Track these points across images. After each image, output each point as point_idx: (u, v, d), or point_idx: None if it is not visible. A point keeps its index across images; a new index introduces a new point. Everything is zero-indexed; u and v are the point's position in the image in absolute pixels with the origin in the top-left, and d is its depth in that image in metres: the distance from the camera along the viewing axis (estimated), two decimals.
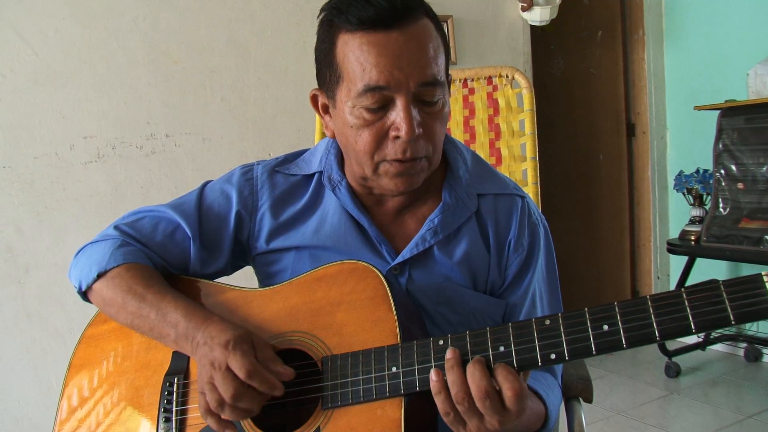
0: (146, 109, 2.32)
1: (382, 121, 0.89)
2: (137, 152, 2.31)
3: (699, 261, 3.06)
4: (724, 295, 0.70)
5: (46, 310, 2.16)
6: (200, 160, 2.41)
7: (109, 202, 2.26)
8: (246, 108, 2.50)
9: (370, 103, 0.88)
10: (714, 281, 0.71)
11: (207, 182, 1.09)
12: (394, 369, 0.82)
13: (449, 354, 0.79)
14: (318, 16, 0.94)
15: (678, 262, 3.35)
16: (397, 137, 0.89)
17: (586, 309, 0.76)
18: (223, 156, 2.44)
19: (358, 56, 0.87)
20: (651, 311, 0.73)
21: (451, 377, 0.77)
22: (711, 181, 2.99)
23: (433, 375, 0.79)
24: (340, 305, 0.89)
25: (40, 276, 2.15)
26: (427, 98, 0.90)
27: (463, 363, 0.78)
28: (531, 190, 1.57)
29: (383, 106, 0.89)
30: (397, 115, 0.88)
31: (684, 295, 0.72)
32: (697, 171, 3.10)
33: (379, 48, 0.86)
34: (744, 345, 3.25)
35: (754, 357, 3.23)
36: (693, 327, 0.71)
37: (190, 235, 1.02)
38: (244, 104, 2.50)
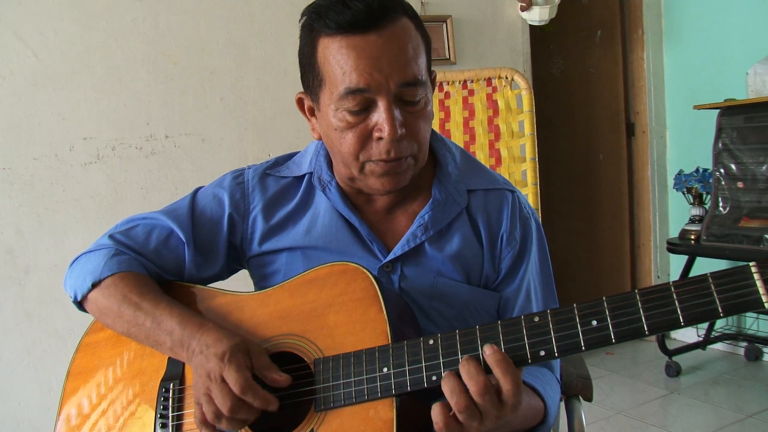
0: (146, 110, 2.32)
1: (365, 122, 0.91)
2: (137, 153, 2.31)
3: (699, 260, 3.06)
4: (713, 287, 0.70)
5: (47, 311, 2.16)
6: (200, 161, 2.41)
7: (109, 203, 2.26)
8: (245, 109, 2.50)
9: (352, 105, 0.89)
10: (704, 275, 0.71)
11: (198, 188, 1.10)
12: (385, 370, 0.83)
13: (446, 372, 0.79)
14: (300, 21, 0.95)
15: (678, 262, 3.35)
16: (380, 138, 0.90)
17: (574, 305, 0.77)
18: (223, 157, 2.45)
19: (338, 60, 0.88)
20: (639, 305, 0.73)
21: (448, 386, 0.77)
22: (711, 180, 2.99)
23: (437, 410, 0.77)
24: (331, 307, 0.90)
25: (40, 277, 2.15)
26: (408, 98, 0.91)
27: (457, 373, 0.78)
28: (531, 191, 1.57)
29: (365, 108, 0.90)
30: (379, 117, 0.89)
31: (672, 289, 0.72)
32: (697, 170, 3.10)
33: (357, 51, 0.87)
34: (744, 344, 3.25)
35: (754, 356, 3.23)
36: (681, 320, 0.71)
37: (184, 240, 1.03)
38: (244, 105, 2.50)
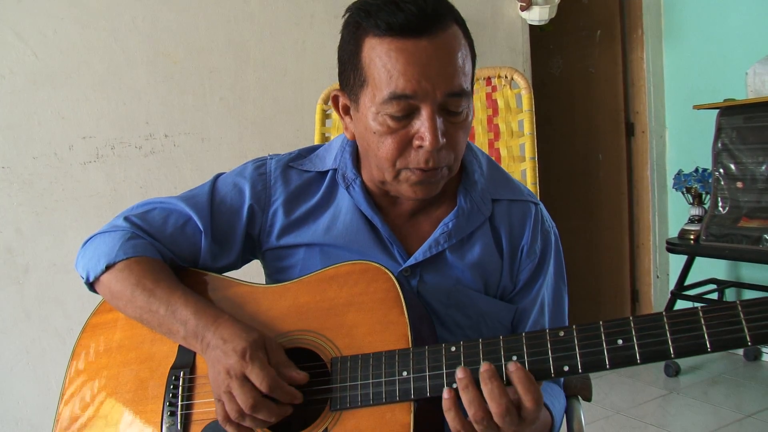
0: (145, 109, 2.32)
1: (406, 129, 0.89)
2: (136, 152, 2.31)
3: (698, 260, 3.07)
4: (741, 315, 0.70)
5: (46, 311, 2.16)
6: (199, 160, 2.41)
7: (109, 202, 2.25)
8: (245, 108, 2.50)
9: (395, 110, 0.87)
10: (733, 302, 0.71)
11: (219, 175, 1.08)
12: (404, 374, 0.82)
13: (461, 374, 0.78)
14: (343, 16, 0.92)
15: (677, 261, 3.35)
16: (420, 147, 0.88)
17: (600, 322, 0.76)
18: (222, 156, 2.44)
19: (385, 62, 0.86)
20: (666, 328, 0.73)
21: (468, 396, 0.77)
22: (710, 180, 2.99)
23: (445, 394, 0.78)
24: (351, 306, 0.89)
25: (39, 276, 2.15)
26: (452, 108, 0.89)
27: (475, 380, 0.77)
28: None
29: (408, 115, 0.88)
30: (421, 125, 0.87)
31: (701, 314, 0.72)
32: (696, 170, 3.10)
33: (407, 56, 0.85)
34: None
35: (753, 356, 3.23)
36: (708, 346, 0.71)
37: (201, 229, 1.01)
38: (243, 104, 2.49)
